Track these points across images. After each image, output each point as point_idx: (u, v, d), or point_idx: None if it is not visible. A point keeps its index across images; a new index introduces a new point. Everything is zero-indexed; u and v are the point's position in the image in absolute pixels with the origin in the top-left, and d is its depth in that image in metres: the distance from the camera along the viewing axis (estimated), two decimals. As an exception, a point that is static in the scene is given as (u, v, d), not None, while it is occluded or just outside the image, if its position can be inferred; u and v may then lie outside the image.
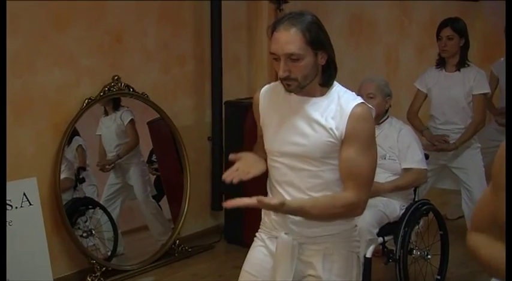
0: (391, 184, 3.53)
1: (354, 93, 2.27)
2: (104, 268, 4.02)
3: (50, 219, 3.84)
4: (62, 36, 3.85)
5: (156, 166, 4.76)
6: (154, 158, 4.74)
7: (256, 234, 2.40)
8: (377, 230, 3.45)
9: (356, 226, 2.39)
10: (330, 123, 2.17)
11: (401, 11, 6.19)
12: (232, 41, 4.85)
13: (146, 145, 4.66)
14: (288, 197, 2.21)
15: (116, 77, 4.12)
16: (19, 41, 3.60)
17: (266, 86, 2.38)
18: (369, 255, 3.40)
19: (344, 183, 2.18)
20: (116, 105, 4.35)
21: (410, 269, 3.59)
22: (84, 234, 4.17)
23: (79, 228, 4.15)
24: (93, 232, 4.25)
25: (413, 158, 3.58)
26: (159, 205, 4.72)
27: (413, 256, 3.65)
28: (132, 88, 4.23)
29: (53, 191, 3.87)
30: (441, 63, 4.17)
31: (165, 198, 4.74)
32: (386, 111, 3.66)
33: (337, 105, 2.19)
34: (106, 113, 4.34)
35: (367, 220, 3.38)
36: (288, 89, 2.19)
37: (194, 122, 4.74)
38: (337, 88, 2.25)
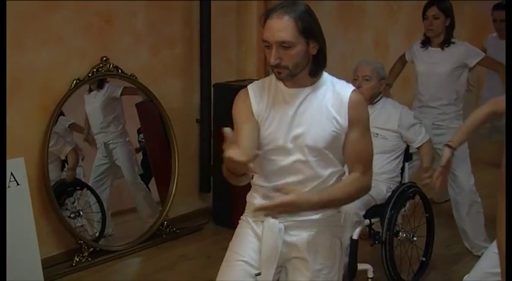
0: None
1: (344, 80, 2.31)
2: (92, 249, 4.04)
3: (38, 199, 3.84)
4: (51, 17, 3.83)
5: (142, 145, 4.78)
6: (141, 138, 4.75)
7: (242, 217, 2.42)
8: (363, 212, 3.48)
9: (339, 211, 2.43)
10: (332, 112, 2.20)
11: (391, -3, 6.21)
12: (222, 24, 4.84)
13: (134, 125, 4.68)
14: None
15: (104, 58, 4.11)
16: (8, 21, 3.57)
17: (253, 84, 2.34)
18: (355, 237, 3.44)
19: (353, 166, 2.26)
20: (101, 83, 4.34)
21: (396, 251, 3.63)
22: (72, 215, 4.18)
23: (67, 209, 4.15)
24: (81, 213, 4.26)
25: (420, 135, 3.69)
26: (148, 187, 4.74)
27: (399, 238, 3.68)
28: (121, 69, 4.22)
29: (40, 171, 3.87)
30: (426, 42, 4.19)
31: (153, 180, 4.75)
32: (380, 93, 3.71)
33: (334, 93, 2.23)
34: (90, 91, 4.33)
35: (354, 203, 3.40)
36: (279, 77, 2.19)
37: (183, 104, 4.74)
38: (327, 76, 2.28)
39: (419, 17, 4.24)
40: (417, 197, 3.80)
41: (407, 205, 3.73)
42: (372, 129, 3.20)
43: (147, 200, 4.74)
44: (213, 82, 4.72)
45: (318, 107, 2.21)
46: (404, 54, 4.43)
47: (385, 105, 3.67)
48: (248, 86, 2.34)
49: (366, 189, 2.30)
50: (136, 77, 4.31)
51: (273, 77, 2.28)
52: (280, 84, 2.25)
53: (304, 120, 2.21)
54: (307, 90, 2.23)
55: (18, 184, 3.62)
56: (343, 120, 2.20)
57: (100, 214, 4.39)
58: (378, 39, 6.11)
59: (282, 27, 2.11)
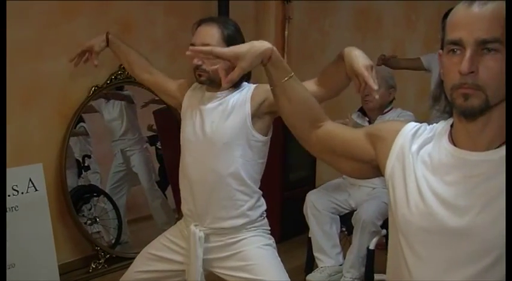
0: None
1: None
2: (108, 255, 4.06)
3: (55, 205, 3.87)
4: (70, 25, 3.86)
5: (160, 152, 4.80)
6: (159, 145, 4.77)
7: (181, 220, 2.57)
8: (381, 222, 3.46)
9: (261, 216, 2.46)
10: (236, 108, 2.33)
11: (409, 7, 6.18)
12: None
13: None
14: (195, 195, 2.41)
15: (122, 66, 4.12)
16: (28, 28, 3.62)
17: (196, 83, 2.51)
18: (372, 247, 3.43)
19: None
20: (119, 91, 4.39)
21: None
22: (89, 221, 4.21)
23: (83, 215, 4.18)
24: (98, 219, 4.28)
25: None
26: (165, 194, 4.75)
27: (416, 248, 3.65)
28: (139, 77, 4.24)
29: (58, 177, 3.89)
30: None
31: (170, 187, 4.77)
32: (390, 102, 3.69)
33: (242, 93, 2.36)
34: (108, 99, 4.37)
35: (371, 212, 3.40)
36: (199, 79, 2.37)
37: (200, 112, 4.74)
38: (245, 83, 2.41)
39: (438, 27, 4.22)
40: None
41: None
42: None
43: (163, 208, 4.76)
44: (230, 90, 4.72)
45: (226, 107, 2.34)
46: (419, 58, 4.41)
47: (393, 116, 3.65)
48: (194, 83, 2.52)
49: None
50: (154, 85, 4.32)
51: None
52: (205, 88, 2.43)
53: (212, 119, 2.35)
54: (224, 93, 2.37)
55: (36, 190, 3.64)
56: (247, 109, 2.31)
57: (116, 220, 4.41)
58: (396, 49, 6.08)
59: (209, 33, 2.33)
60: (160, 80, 2.69)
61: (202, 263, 2.40)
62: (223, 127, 2.33)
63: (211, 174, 2.36)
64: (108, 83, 4.08)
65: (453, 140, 1.38)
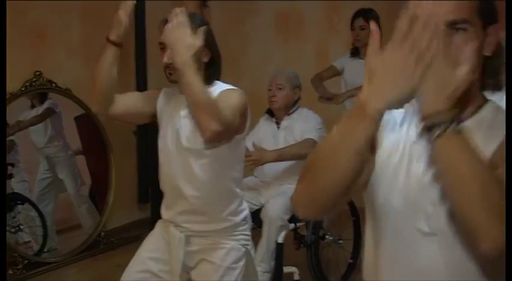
0: (275, 152, 3.52)
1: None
2: (27, 261, 4.05)
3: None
4: (-19, 32, 3.87)
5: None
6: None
7: (159, 221, 2.56)
8: (288, 216, 3.56)
9: (244, 220, 2.49)
10: None
11: (329, 7, 6.30)
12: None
13: (75, 139, 4.72)
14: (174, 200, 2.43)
15: (37, 73, 4.16)
16: None
17: (167, 89, 2.50)
18: (280, 241, 3.52)
19: None
20: (43, 99, 4.40)
21: (324, 253, 3.72)
22: (12, 230, 4.19)
23: (7, 224, 4.17)
24: (21, 227, 4.28)
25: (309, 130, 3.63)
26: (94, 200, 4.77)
27: (325, 241, 3.77)
28: (55, 83, 4.27)
29: (-27, 185, 3.88)
30: (355, 52, 4.32)
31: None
32: (296, 102, 3.79)
33: (215, 94, 2.33)
34: (32, 106, 4.39)
35: (278, 207, 3.49)
36: (170, 78, 2.34)
37: (120, 117, 4.78)
38: (219, 83, 2.39)
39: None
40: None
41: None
42: (291, 141, 3.41)
43: (90, 213, 4.78)
44: (149, 94, 4.77)
45: None
46: (332, 66, 4.53)
47: (301, 114, 3.75)
48: (163, 89, 2.50)
49: None
50: (70, 91, 4.36)
51: None
52: (178, 91, 2.39)
53: (185, 124, 2.34)
54: None
55: None
56: None
57: (41, 228, 4.41)
58: (318, 50, 6.20)
59: None
60: (133, 105, 2.53)
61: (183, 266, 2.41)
62: (198, 134, 2.29)
63: (191, 181, 2.35)
64: (22, 90, 4.10)
65: None
